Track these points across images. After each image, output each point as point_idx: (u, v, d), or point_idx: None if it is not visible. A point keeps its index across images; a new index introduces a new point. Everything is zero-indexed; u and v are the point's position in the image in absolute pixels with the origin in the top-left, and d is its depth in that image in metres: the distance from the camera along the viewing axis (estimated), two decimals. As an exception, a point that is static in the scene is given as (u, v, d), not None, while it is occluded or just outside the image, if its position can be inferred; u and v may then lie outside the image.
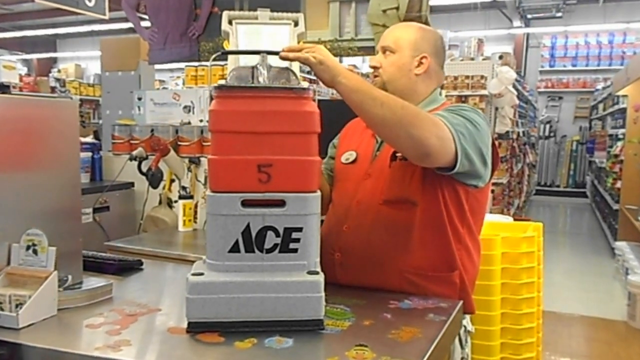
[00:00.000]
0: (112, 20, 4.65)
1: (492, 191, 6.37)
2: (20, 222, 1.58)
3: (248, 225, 1.41)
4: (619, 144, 8.17)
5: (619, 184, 7.61)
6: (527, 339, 2.65)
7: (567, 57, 14.29)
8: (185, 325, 1.40)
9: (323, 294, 1.40)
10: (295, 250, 1.42)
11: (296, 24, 1.78)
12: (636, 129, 7.13)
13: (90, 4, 3.95)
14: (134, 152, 3.18)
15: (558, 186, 14.26)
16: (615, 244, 6.81)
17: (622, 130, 8.00)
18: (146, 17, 4.16)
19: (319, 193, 1.45)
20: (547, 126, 14.46)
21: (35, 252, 1.54)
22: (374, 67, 1.91)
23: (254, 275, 1.41)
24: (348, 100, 1.56)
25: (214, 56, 1.67)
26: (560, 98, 14.52)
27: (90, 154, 3.68)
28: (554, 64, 14.46)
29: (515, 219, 3.61)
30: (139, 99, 3.86)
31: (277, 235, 1.42)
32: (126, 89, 4.25)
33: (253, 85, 1.47)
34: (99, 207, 3.29)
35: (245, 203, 1.41)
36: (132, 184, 3.64)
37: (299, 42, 1.78)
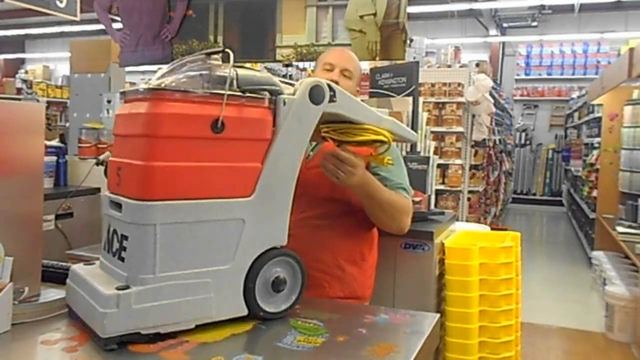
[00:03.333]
0: (82, 22, 4.56)
1: (469, 199, 6.37)
2: (-24, 230, 1.49)
3: (109, 226, 1.46)
4: (595, 152, 8.24)
5: (595, 193, 7.65)
6: (506, 352, 2.58)
7: (543, 65, 14.48)
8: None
9: (109, 311, 1.27)
10: (122, 260, 1.38)
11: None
12: (611, 138, 7.19)
13: (62, 5, 3.86)
14: (101, 157, 3.07)
15: (534, 194, 14.39)
16: (592, 253, 6.82)
17: (597, 139, 8.07)
18: (118, 18, 4.07)
19: (159, 204, 1.33)
20: (523, 134, 14.61)
21: (-10, 262, 1.45)
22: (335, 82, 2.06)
23: (96, 276, 1.43)
24: (366, 190, 1.92)
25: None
26: (536, 106, 14.68)
27: (55, 158, 3.56)
28: (530, 72, 14.63)
29: (492, 228, 3.57)
30: (109, 101, 3.77)
31: (118, 240, 1.41)
32: (95, 92, 4.18)
33: (133, 89, 1.48)
34: (61, 214, 3.17)
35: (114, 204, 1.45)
36: (98, 190, 3.53)
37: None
